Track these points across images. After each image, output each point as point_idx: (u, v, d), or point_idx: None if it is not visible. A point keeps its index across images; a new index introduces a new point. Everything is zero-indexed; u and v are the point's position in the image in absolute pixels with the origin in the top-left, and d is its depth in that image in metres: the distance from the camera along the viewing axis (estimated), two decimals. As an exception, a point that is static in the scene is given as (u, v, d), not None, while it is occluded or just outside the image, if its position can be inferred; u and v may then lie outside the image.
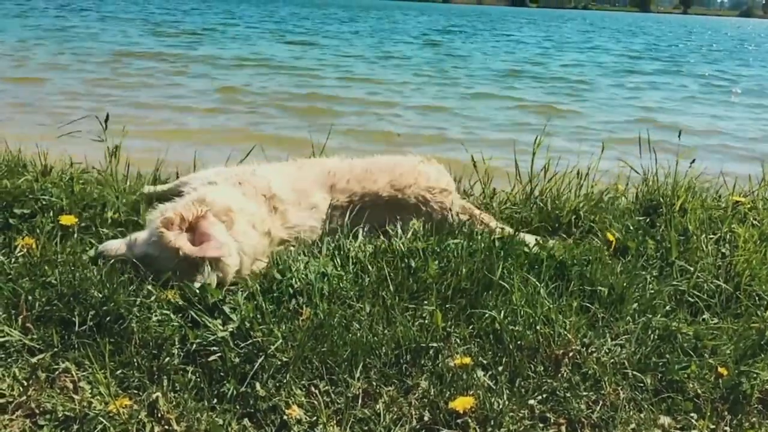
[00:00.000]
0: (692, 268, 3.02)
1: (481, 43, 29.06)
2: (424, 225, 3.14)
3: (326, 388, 2.14)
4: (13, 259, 2.60)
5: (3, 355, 2.14)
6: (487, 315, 2.49)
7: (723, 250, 3.28)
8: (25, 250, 2.63)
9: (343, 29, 32.97)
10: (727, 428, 2.20)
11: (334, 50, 21.02)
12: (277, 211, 2.91)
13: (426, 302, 2.56)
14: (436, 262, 2.76)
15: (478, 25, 50.25)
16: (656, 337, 2.52)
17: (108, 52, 15.65)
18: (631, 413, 2.19)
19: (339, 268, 2.69)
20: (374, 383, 2.18)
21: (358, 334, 2.32)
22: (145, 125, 8.17)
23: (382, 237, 3.01)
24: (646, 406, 2.23)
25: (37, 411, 1.98)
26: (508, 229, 3.29)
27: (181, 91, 11.28)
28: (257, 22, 33.52)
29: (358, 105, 11.14)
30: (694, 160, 4.20)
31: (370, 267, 2.72)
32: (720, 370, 2.35)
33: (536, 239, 3.24)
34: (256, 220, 2.79)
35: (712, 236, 3.41)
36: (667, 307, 2.74)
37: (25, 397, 2.01)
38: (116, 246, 2.65)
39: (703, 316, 2.75)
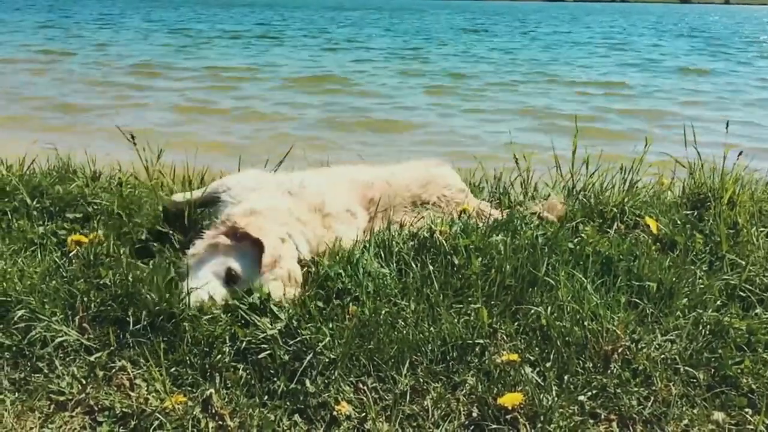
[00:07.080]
0: (743, 262, 2.95)
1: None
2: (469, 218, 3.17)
3: (374, 384, 2.16)
4: (68, 262, 2.68)
5: (62, 355, 2.22)
6: (533, 311, 2.47)
7: (775, 243, 3.19)
8: (76, 247, 2.71)
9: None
10: (784, 424, 2.14)
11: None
12: (329, 229, 2.93)
13: (471, 299, 2.55)
14: (480, 258, 2.75)
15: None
16: (708, 332, 2.47)
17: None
18: (684, 409, 2.15)
19: (384, 266, 2.71)
20: (421, 380, 2.19)
21: (404, 332, 2.33)
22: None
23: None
24: (698, 401, 2.19)
25: (96, 408, 2.05)
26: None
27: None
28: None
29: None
30: (741, 152, 4.09)
31: (413, 264, 2.73)
32: (775, 365, 2.29)
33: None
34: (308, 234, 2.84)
35: (762, 229, 3.33)
36: (718, 302, 2.68)
37: (83, 395, 2.08)
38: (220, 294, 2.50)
39: (756, 311, 2.68)
